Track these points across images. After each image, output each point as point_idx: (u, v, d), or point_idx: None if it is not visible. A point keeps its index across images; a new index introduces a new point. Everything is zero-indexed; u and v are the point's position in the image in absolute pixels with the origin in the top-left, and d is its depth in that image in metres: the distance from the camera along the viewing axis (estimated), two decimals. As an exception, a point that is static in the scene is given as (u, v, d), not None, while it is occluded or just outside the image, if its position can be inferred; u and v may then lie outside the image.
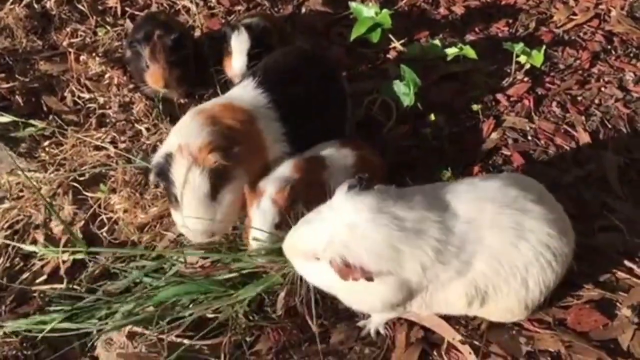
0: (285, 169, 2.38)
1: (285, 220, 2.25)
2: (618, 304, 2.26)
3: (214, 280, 2.32)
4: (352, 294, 2.02)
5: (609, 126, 3.01)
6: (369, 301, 2.01)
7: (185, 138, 2.28)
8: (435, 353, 2.17)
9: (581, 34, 3.61)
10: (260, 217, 2.28)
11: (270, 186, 2.29)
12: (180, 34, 3.04)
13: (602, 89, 3.22)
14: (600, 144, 2.91)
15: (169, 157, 2.28)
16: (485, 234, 1.94)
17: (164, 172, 2.30)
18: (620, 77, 3.29)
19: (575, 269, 2.23)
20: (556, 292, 2.20)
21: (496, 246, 1.95)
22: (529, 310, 2.11)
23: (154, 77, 2.98)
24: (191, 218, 2.29)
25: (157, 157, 2.35)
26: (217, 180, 2.28)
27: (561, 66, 3.38)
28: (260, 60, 2.83)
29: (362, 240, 1.84)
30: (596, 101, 3.15)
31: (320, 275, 1.98)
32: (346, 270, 1.84)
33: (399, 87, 2.96)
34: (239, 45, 2.98)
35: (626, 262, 2.39)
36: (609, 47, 3.50)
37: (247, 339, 2.21)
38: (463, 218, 1.95)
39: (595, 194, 2.68)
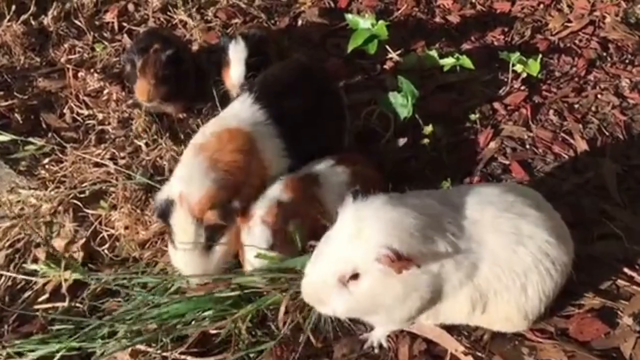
0: (275, 190, 2.38)
1: (280, 240, 2.28)
2: (619, 312, 2.27)
3: (215, 297, 2.32)
4: (394, 299, 1.94)
5: (607, 133, 3.02)
6: (408, 304, 1.96)
7: (186, 186, 2.30)
8: None
9: (576, 41, 3.63)
10: (253, 240, 2.29)
11: (259, 209, 2.31)
12: (177, 50, 3.05)
13: (599, 96, 3.24)
14: (598, 152, 2.93)
15: (170, 202, 2.30)
16: (487, 238, 1.97)
17: (164, 215, 2.33)
18: (617, 84, 3.30)
19: (575, 278, 2.24)
20: (557, 302, 2.21)
21: (497, 250, 1.97)
22: (529, 320, 2.12)
23: (139, 90, 2.99)
24: (182, 263, 2.35)
25: (159, 199, 2.36)
26: (214, 235, 2.32)
27: (557, 74, 3.40)
28: (258, 70, 2.87)
29: (396, 229, 1.85)
30: (593, 108, 3.17)
31: (360, 295, 1.90)
32: (398, 262, 1.80)
33: (396, 98, 2.98)
34: (237, 54, 2.98)
35: (626, 270, 2.39)
36: (605, 54, 3.52)
37: (251, 355, 2.21)
38: (469, 219, 1.98)
39: (594, 202, 2.69)
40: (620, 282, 2.37)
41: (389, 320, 2.10)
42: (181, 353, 2.24)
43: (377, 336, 2.23)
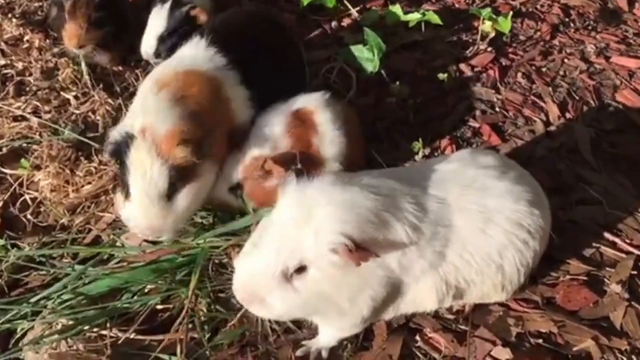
0: (275, 128, 2.14)
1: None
2: (606, 279, 2.11)
3: (160, 267, 2.00)
4: (346, 297, 1.64)
5: (576, 97, 2.88)
6: (363, 303, 1.67)
7: (151, 118, 1.94)
8: (418, 339, 1.94)
9: (538, 7, 3.50)
10: (225, 175, 2.12)
11: (249, 151, 2.09)
12: (112, -9, 2.67)
13: (566, 60, 3.10)
14: (569, 116, 2.78)
15: (129, 137, 1.93)
16: (453, 219, 1.73)
17: (119, 153, 1.95)
18: (582, 49, 3.18)
19: (555, 241, 2.08)
20: (540, 269, 2.05)
21: (464, 234, 1.73)
22: (508, 292, 1.92)
23: (69, 35, 2.60)
24: (138, 212, 1.96)
25: (116, 134, 1.98)
26: (179, 179, 1.96)
27: (522, 37, 3.24)
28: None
29: (351, 214, 1.55)
30: (561, 72, 3.03)
31: (306, 292, 1.59)
32: (357, 252, 1.51)
33: (361, 52, 2.72)
34: (155, 21, 2.63)
35: (608, 236, 2.25)
36: (567, 19, 3.40)
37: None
38: (434, 197, 1.73)
39: (570, 167, 2.54)
40: (603, 248, 2.22)
41: (338, 323, 1.79)
42: (121, 331, 1.90)
43: (322, 344, 1.90)
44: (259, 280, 1.58)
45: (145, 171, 1.92)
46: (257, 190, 2.09)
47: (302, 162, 2.04)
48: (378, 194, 1.62)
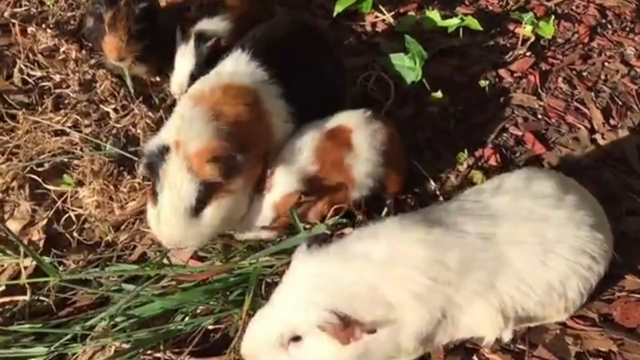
0: (306, 158, 2.09)
1: (276, 224, 2.07)
2: (664, 294, 2.07)
3: (211, 288, 1.98)
4: None
5: (619, 103, 2.83)
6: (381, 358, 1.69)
7: (185, 133, 1.93)
8: (476, 359, 1.91)
9: (573, 8, 3.44)
10: (255, 215, 2.08)
11: (279, 183, 2.02)
12: (151, 3, 2.64)
13: (606, 63, 3.05)
14: (613, 122, 2.73)
15: (164, 150, 1.93)
16: (504, 252, 1.71)
17: (153, 166, 1.95)
18: (622, 52, 3.13)
19: (619, 260, 2.04)
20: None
21: (519, 266, 1.71)
22: (570, 312, 1.91)
23: (109, 47, 2.56)
24: (162, 222, 1.98)
25: (151, 146, 1.98)
26: (207, 195, 1.95)
27: (560, 40, 3.18)
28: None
29: (342, 291, 1.57)
30: (602, 77, 2.98)
31: (309, 358, 1.62)
32: (344, 331, 1.53)
33: (402, 61, 2.67)
34: (182, 61, 2.55)
35: (663, 248, 2.21)
36: (604, 21, 3.34)
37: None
38: (471, 233, 1.71)
39: (617, 176, 2.49)
40: (658, 262, 2.17)
41: None
42: (175, 353, 1.88)
43: None
44: (260, 345, 1.64)
45: (175, 184, 1.92)
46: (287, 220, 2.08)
47: (327, 190, 2.06)
48: (373, 263, 1.61)
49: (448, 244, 1.67)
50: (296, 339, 1.60)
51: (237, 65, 2.20)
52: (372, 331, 1.55)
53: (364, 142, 2.15)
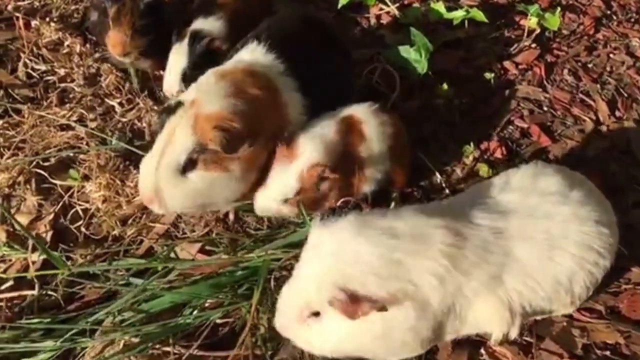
0: (330, 130, 2.09)
1: (300, 198, 2.03)
2: (671, 287, 2.08)
3: (220, 282, 1.98)
4: (374, 343, 1.65)
5: (625, 95, 2.82)
6: (397, 344, 1.68)
7: (204, 97, 1.95)
8: (483, 352, 1.92)
9: (578, -1, 3.42)
10: (278, 186, 2.04)
11: (305, 154, 2.01)
12: (156, -2, 2.63)
13: (611, 55, 3.04)
14: (619, 114, 2.73)
15: (179, 104, 1.96)
16: (513, 248, 1.72)
17: (168, 112, 1.98)
18: (627, 43, 3.12)
19: (625, 253, 2.04)
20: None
21: (527, 262, 1.72)
22: (576, 306, 1.93)
23: (113, 42, 2.55)
24: (145, 168, 1.99)
25: (171, 101, 2.04)
26: (198, 159, 1.94)
27: (565, 32, 3.17)
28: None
29: (354, 264, 1.56)
30: (608, 68, 2.97)
31: (329, 333, 1.62)
32: (352, 306, 1.52)
33: (408, 53, 2.66)
34: (175, 60, 2.52)
35: (669, 241, 2.21)
36: (609, 12, 3.33)
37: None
38: (484, 227, 1.72)
39: (623, 168, 2.49)
40: (665, 254, 2.17)
41: None
42: (184, 346, 1.89)
43: None
44: (285, 319, 1.67)
45: (173, 133, 1.93)
46: (310, 198, 2.06)
47: (348, 171, 2.06)
48: (394, 236, 1.60)
49: (468, 234, 1.68)
50: (316, 313, 1.61)
51: (255, 56, 2.20)
52: (383, 308, 1.54)
53: (373, 133, 2.14)
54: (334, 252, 1.58)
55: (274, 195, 2.06)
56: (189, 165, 1.94)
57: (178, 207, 2.05)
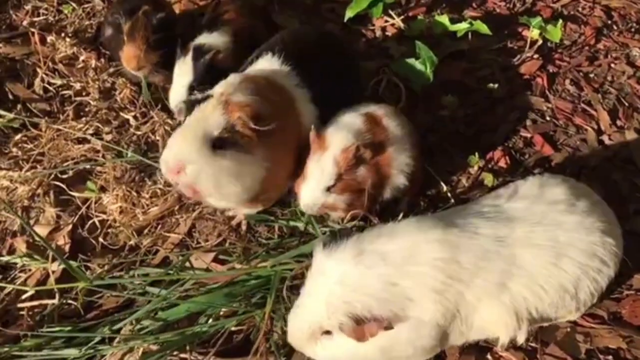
0: (356, 120, 2.19)
1: (341, 186, 2.11)
2: (672, 293, 2.14)
3: (234, 291, 2.05)
4: (384, 356, 1.75)
5: (626, 104, 2.88)
6: (405, 354, 1.77)
7: (231, 90, 2.05)
8: (490, 357, 1.98)
9: (579, 9, 3.48)
10: (317, 176, 2.12)
11: (336, 140, 2.11)
12: (167, 14, 2.72)
13: (612, 65, 3.10)
14: (620, 123, 2.79)
15: (207, 97, 2.06)
16: (518, 254, 1.79)
17: (192, 105, 2.08)
18: (627, 53, 3.18)
19: (630, 265, 2.11)
20: (605, 284, 2.07)
21: (532, 268, 1.79)
22: (581, 312, 2.00)
23: (127, 57, 2.65)
24: (176, 138, 2.05)
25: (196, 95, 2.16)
26: (228, 139, 2.02)
27: (567, 42, 3.24)
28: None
29: (357, 290, 1.66)
30: (609, 78, 3.03)
31: (341, 349, 1.72)
32: (359, 328, 1.63)
33: (413, 65, 2.73)
34: (180, 75, 2.56)
35: (670, 248, 2.27)
36: (610, 22, 3.39)
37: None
38: (484, 236, 1.79)
39: (625, 177, 2.55)
40: (666, 260, 2.23)
41: None
42: (201, 353, 1.96)
43: None
44: (298, 335, 1.75)
45: (204, 113, 2.02)
46: (350, 186, 2.14)
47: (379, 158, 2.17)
48: (387, 263, 1.68)
49: (464, 244, 1.75)
50: (328, 332, 1.69)
51: (272, 66, 2.30)
52: (389, 327, 1.64)
53: (396, 128, 2.25)
54: (338, 281, 1.67)
55: (315, 185, 2.13)
56: (218, 142, 2.01)
57: (200, 180, 2.05)
